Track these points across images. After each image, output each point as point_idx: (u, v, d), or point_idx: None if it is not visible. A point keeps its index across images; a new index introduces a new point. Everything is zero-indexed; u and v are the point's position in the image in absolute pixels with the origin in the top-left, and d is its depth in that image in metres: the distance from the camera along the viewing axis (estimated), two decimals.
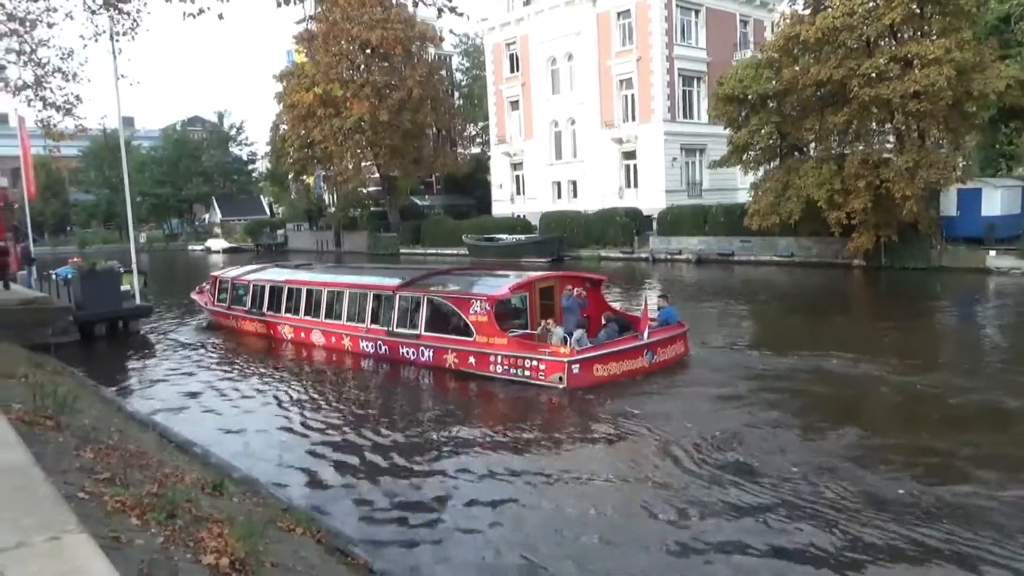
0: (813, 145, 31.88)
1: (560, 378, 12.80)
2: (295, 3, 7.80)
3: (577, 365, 12.84)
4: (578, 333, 13.61)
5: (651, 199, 43.46)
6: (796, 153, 32.64)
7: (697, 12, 45.98)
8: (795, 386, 13.04)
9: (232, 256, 59.16)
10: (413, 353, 15.29)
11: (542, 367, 13.06)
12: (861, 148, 28.86)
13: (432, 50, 54.75)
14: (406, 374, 15.15)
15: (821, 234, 30.60)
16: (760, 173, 33.60)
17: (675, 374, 13.98)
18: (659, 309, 15.23)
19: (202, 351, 18.94)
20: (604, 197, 45.80)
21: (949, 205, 29.77)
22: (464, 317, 14.25)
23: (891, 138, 30.05)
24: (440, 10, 8.16)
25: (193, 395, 14.12)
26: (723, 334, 18.73)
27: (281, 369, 16.45)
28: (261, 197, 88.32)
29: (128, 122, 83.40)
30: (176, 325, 23.23)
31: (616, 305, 18.29)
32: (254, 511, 6.71)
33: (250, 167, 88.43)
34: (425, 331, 15.08)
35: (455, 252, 46.64)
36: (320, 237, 63.07)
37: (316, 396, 13.93)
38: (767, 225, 30.50)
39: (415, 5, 7.13)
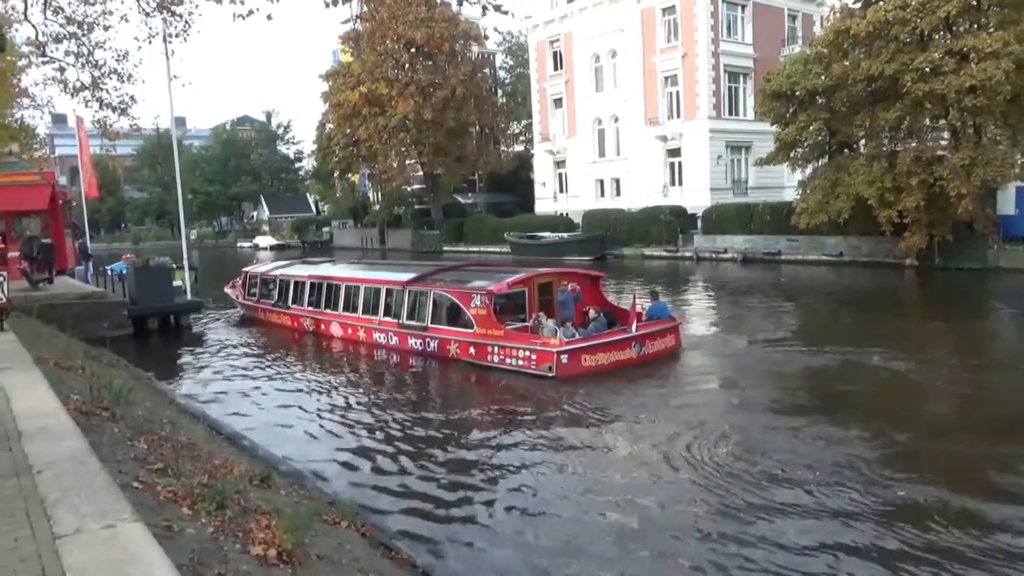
0: (863, 142, 31.13)
1: (550, 367, 13.52)
2: (342, 2, 7.87)
3: (565, 355, 13.58)
4: (564, 325, 14.30)
5: (696, 197, 42.95)
6: (846, 150, 31.94)
7: (744, 7, 45.27)
8: (805, 382, 13.22)
9: (279, 253, 60.25)
10: (420, 344, 16.23)
11: (533, 357, 13.83)
12: (914, 145, 28.11)
13: (476, 48, 54.94)
14: (415, 364, 15.97)
15: (871, 233, 29.88)
16: (808, 171, 32.98)
17: (668, 367, 14.55)
18: (649, 304, 16.01)
19: (245, 345, 19.51)
20: (648, 195, 45.43)
21: (1007, 203, 28.76)
22: (466, 310, 15.17)
23: (945, 134, 29.22)
24: (485, 8, 8.15)
25: (239, 388, 14.54)
26: (761, 331, 18.53)
27: (315, 363, 17.13)
28: (307, 195, 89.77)
29: (180, 122, 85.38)
30: (224, 320, 23.81)
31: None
32: (300, 504, 6.83)
33: (297, 165, 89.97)
34: (431, 323, 16.04)
35: (498, 250, 46.74)
36: (365, 234, 63.79)
37: (347, 390, 14.35)
38: (815, 224, 29.90)
39: (460, 3, 7.14)
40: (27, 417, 6.39)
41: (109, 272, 23.65)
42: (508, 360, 14.25)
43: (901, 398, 12.09)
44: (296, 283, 20.97)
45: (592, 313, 15.31)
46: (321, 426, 11.72)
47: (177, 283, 22.13)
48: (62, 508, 4.19)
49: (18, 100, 28.20)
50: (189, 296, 22.18)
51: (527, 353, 13.94)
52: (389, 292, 17.47)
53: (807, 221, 30.11)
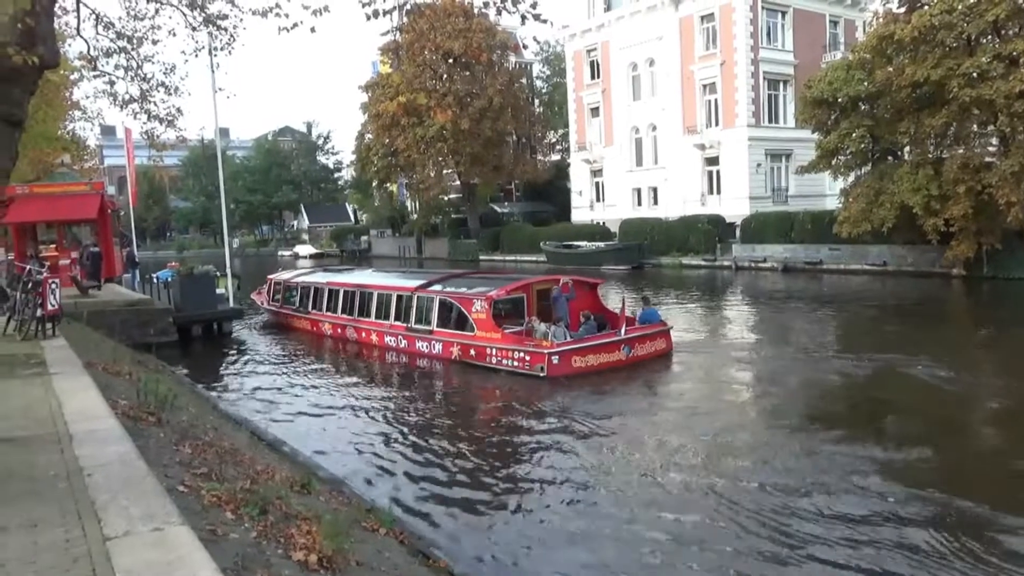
0: (908, 149, 30.51)
1: (541, 368, 14.39)
2: (383, 15, 7.96)
3: (556, 357, 14.42)
4: (554, 329, 15.09)
5: (734, 206, 42.48)
6: (889, 157, 31.33)
7: (784, 13, 44.74)
8: (824, 389, 13.35)
9: (319, 261, 61.02)
10: (427, 346, 17.18)
11: (527, 358, 14.74)
12: (961, 151, 27.43)
13: (513, 58, 55.15)
14: (425, 366, 16.79)
15: (917, 242, 29.21)
16: (851, 178, 32.40)
17: (660, 370, 15.27)
18: (641, 310, 16.92)
19: (279, 351, 20.01)
20: (685, 204, 45.06)
21: None
22: (468, 315, 16.05)
23: (994, 141, 28.46)
24: (524, 17, 8.16)
25: (279, 393, 14.84)
26: (795, 338, 18.49)
27: (338, 368, 17.72)
28: (346, 204, 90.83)
29: (224, 133, 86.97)
30: (255, 326, 24.33)
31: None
32: (340, 510, 6.89)
33: (336, 175, 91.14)
34: (437, 327, 16.94)
35: (534, 259, 46.72)
36: (402, 243, 64.28)
37: (369, 394, 14.75)
38: (858, 232, 29.35)
39: (499, 13, 7.17)
40: (78, 420, 6.58)
41: (155, 280, 24.18)
42: (504, 361, 15.12)
43: (943, 410, 11.80)
44: (316, 290, 22.03)
45: (582, 317, 16.09)
46: (350, 431, 11.93)
47: (220, 291, 22.55)
48: (112, 510, 4.30)
49: (70, 112, 29.06)
50: (232, 303, 22.59)
51: (521, 355, 14.84)
52: (400, 298, 18.43)
53: (850, 230, 29.57)
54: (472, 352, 15.86)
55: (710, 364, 15.92)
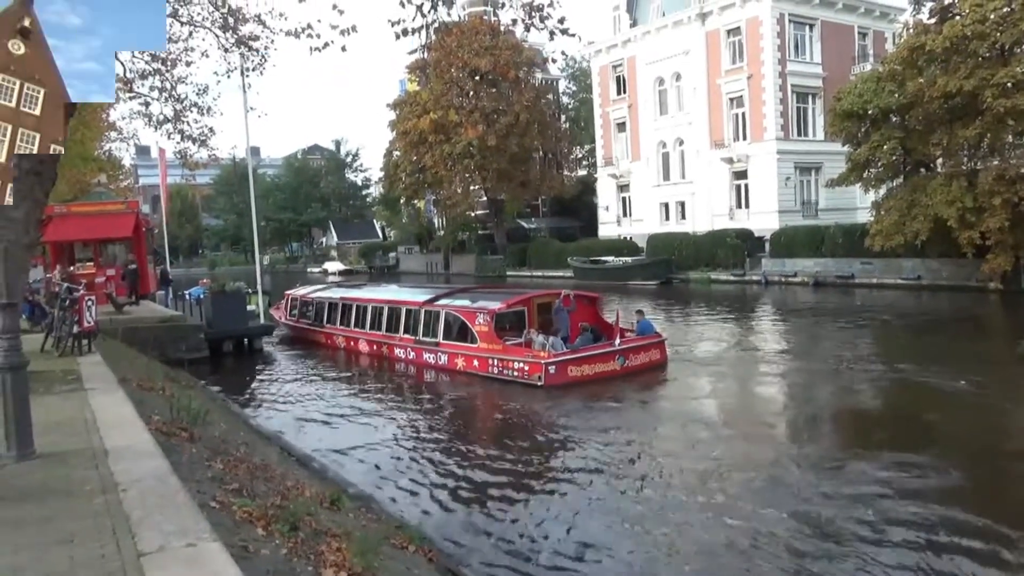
0: (940, 161, 30.07)
1: (539, 377, 14.94)
2: (412, 33, 8.02)
3: (553, 367, 15.00)
4: (552, 340, 15.72)
5: (763, 220, 42.09)
6: (922, 170, 30.87)
7: (812, 26, 44.46)
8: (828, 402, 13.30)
9: (347, 278, 61.50)
10: (433, 358, 17.85)
11: (526, 368, 15.35)
12: (996, 163, 26.97)
13: (539, 75, 55.44)
14: (433, 377, 17.36)
15: (951, 255, 28.68)
16: (882, 191, 31.97)
17: (651, 379, 15.64)
18: (637, 322, 17.56)
19: (306, 367, 20.16)
20: (713, 218, 44.78)
21: None
22: (471, 327, 16.70)
23: None
24: (552, 33, 8.18)
25: (305, 408, 14.98)
26: (818, 352, 18.25)
27: (364, 382, 17.96)
28: (374, 221, 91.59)
29: (254, 151, 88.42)
30: (283, 341, 24.49)
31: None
32: (369, 527, 6.89)
33: (364, 192, 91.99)
34: (442, 339, 17.67)
35: (561, 275, 46.62)
36: (430, 260, 64.59)
37: (385, 408, 14.95)
38: (891, 246, 28.93)
39: (527, 30, 7.20)
40: (113, 436, 6.66)
41: (187, 297, 24.53)
42: (505, 371, 15.76)
43: (978, 428, 11.49)
44: (330, 305, 22.83)
45: (580, 328, 16.57)
46: (371, 446, 11.94)
47: (251, 307, 22.80)
48: (145, 526, 4.33)
49: (107, 133, 29.75)
50: (262, 320, 22.84)
51: (520, 365, 15.45)
52: (408, 312, 19.14)
53: (882, 243, 29.17)
54: (475, 363, 16.50)
55: (711, 374, 16.03)
